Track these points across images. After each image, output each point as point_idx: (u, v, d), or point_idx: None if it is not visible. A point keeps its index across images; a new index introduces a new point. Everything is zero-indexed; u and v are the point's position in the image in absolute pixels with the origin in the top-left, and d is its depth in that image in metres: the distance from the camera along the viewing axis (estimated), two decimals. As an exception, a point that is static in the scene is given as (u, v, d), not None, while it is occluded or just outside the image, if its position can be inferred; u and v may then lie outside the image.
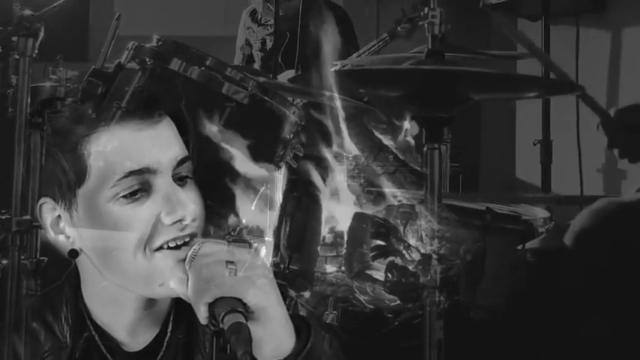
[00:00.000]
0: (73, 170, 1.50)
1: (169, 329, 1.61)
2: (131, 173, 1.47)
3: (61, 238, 1.54)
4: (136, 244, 1.47)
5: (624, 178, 4.57)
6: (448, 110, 1.94)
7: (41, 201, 1.53)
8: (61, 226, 1.54)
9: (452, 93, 1.98)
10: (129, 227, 1.46)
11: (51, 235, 1.55)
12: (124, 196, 1.47)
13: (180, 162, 1.52)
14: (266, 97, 2.01)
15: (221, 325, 1.33)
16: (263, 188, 1.82)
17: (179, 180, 1.52)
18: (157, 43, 1.98)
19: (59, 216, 1.54)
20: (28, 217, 1.58)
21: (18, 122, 1.57)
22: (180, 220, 1.47)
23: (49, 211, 1.54)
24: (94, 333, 1.59)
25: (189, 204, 1.49)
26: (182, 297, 1.45)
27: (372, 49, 4.62)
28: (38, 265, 1.68)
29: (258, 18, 4.78)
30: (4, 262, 1.71)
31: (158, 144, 1.50)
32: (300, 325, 1.46)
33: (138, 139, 1.49)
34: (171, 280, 1.45)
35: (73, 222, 1.52)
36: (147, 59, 1.92)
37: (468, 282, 2.04)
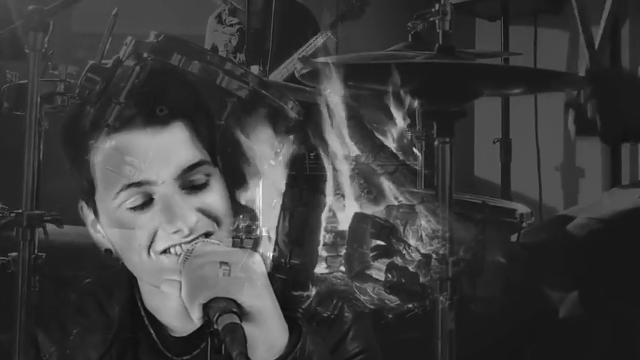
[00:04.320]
0: (85, 180, 1.56)
1: None
2: (130, 186, 1.51)
3: (99, 237, 1.61)
4: (139, 248, 1.52)
5: (582, 176, 4.64)
6: (459, 104, 1.94)
7: (80, 204, 1.62)
8: (98, 227, 1.61)
9: (465, 88, 1.97)
10: (133, 233, 1.52)
11: (91, 233, 1.62)
12: (130, 207, 1.52)
13: (190, 168, 1.52)
14: (266, 93, 1.99)
15: (215, 326, 1.32)
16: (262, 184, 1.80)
17: (191, 188, 1.52)
18: (155, 39, 1.94)
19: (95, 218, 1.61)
20: (38, 211, 1.57)
21: (28, 118, 1.53)
22: (179, 231, 1.50)
23: (87, 213, 1.62)
24: (143, 314, 1.65)
25: (189, 215, 1.50)
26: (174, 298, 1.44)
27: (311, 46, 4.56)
28: (36, 261, 1.66)
29: (223, 19, 4.79)
30: (7, 258, 1.67)
31: (159, 154, 1.51)
32: (292, 326, 1.46)
33: (138, 149, 1.50)
34: (162, 284, 1.45)
35: (100, 224, 1.59)
36: (146, 55, 1.88)
37: (469, 275, 2.05)
